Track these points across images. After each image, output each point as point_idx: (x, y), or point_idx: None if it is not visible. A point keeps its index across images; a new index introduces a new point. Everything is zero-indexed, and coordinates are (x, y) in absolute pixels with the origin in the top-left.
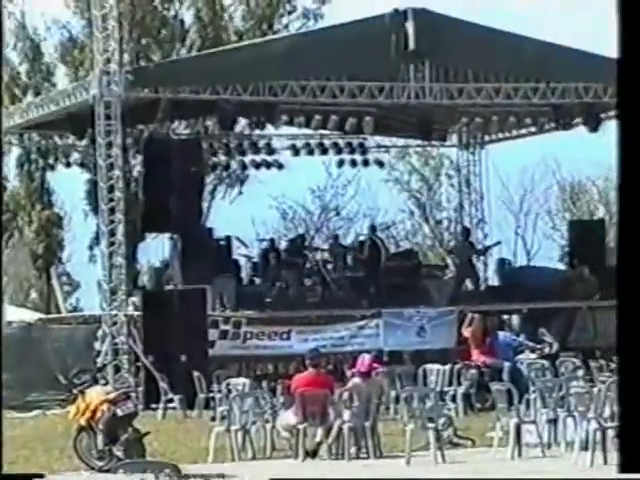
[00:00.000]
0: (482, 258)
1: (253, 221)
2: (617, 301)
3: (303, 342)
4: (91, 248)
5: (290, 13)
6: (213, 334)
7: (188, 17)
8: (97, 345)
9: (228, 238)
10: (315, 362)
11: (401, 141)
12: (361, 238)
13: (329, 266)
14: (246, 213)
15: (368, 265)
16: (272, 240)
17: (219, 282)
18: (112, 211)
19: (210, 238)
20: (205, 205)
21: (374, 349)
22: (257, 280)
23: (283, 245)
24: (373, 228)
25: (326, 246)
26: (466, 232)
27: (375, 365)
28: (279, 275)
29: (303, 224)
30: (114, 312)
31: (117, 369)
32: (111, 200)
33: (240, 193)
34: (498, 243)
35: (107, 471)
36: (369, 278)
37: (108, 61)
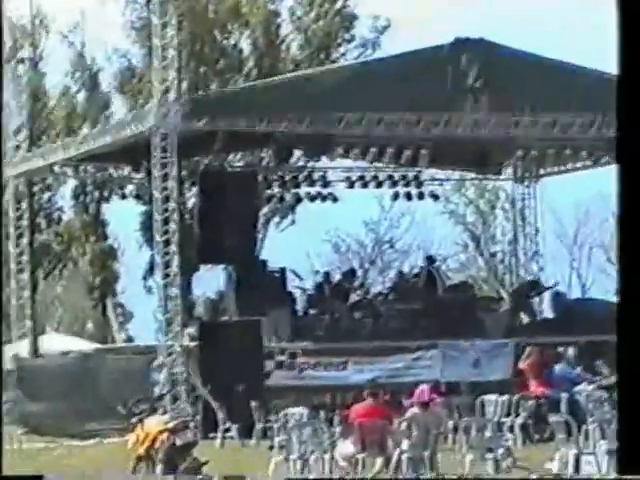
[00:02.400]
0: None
1: (307, 253)
2: (617, 301)
3: (359, 373)
4: (145, 279)
5: (348, 42)
6: (269, 365)
7: (246, 47)
8: (154, 375)
9: (282, 270)
10: (373, 392)
11: (456, 174)
12: (416, 270)
13: (383, 298)
14: (300, 245)
15: (424, 297)
16: (327, 273)
17: (274, 314)
18: (167, 243)
19: (264, 270)
20: (259, 237)
21: (430, 380)
22: (311, 312)
23: (337, 277)
24: (430, 259)
25: (380, 279)
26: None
27: (434, 396)
28: (333, 307)
29: (357, 257)
30: (170, 343)
31: (175, 399)
32: (166, 232)
33: (293, 223)
34: (556, 284)
35: None
36: (424, 310)
37: (166, 91)
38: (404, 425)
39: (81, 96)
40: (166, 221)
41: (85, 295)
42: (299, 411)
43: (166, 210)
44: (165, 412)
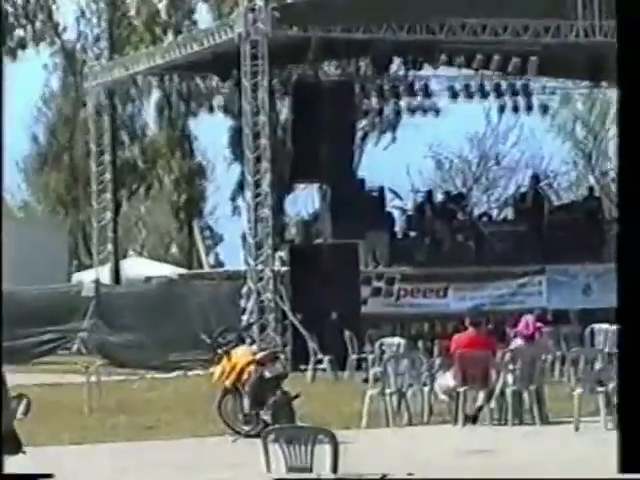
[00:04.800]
0: None
1: (408, 170)
2: (617, 300)
3: (460, 300)
4: (234, 200)
5: None
6: (365, 291)
7: None
8: (242, 302)
9: (381, 189)
10: (476, 321)
11: (566, 83)
12: (523, 189)
13: (487, 220)
14: (399, 162)
15: (530, 218)
16: (429, 192)
17: (371, 236)
18: (258, 160)
19: (362, 189)
20: (357, 153)
21: (536, 308)
22: (411, 234)
23: (439, 197)
24: (537, 178)
25: (484, 198)
26: None
27: (539, 325)
28: (435, 229)
29: (460, 174)
30: (260, 267)
31: (263, 328)
32: (257, 148)
33: (393, 140)
34: None
35: (254, 436)
36: (531, 232)
37: None
38: (508, 356)
39: (163, 4)
40: (257, 135)
41: (170, 216)
42: (396, 341)
43: (256, 124)
44: (253, 342)
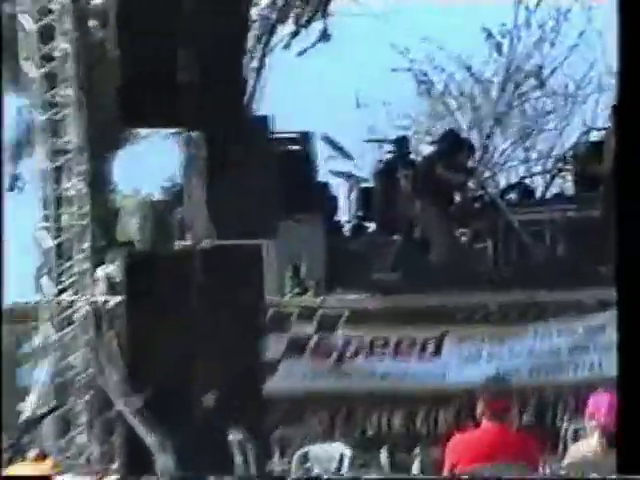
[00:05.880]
0: None
1: (357, 102)
2: (617, 298)
3: (467, 362)
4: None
5: None
6: (275, 344)
7: None
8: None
9: (305, 138)
10: (499, 404)
11: None
12: (596, 136)
13: (521, 195)
14: (342, 81)
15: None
16: (402, 140)
17: (291, 231)
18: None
19: (264, 138)
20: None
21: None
22: (368, 228)
23: (425, 151)
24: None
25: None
26: None
27: None
28: (415, 216)
29: (468, 108)
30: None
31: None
32: None
33: (325, 38)
34: None
35: None
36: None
37: None
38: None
39: None
40: None
41: None
42: (335, 451)
43: None
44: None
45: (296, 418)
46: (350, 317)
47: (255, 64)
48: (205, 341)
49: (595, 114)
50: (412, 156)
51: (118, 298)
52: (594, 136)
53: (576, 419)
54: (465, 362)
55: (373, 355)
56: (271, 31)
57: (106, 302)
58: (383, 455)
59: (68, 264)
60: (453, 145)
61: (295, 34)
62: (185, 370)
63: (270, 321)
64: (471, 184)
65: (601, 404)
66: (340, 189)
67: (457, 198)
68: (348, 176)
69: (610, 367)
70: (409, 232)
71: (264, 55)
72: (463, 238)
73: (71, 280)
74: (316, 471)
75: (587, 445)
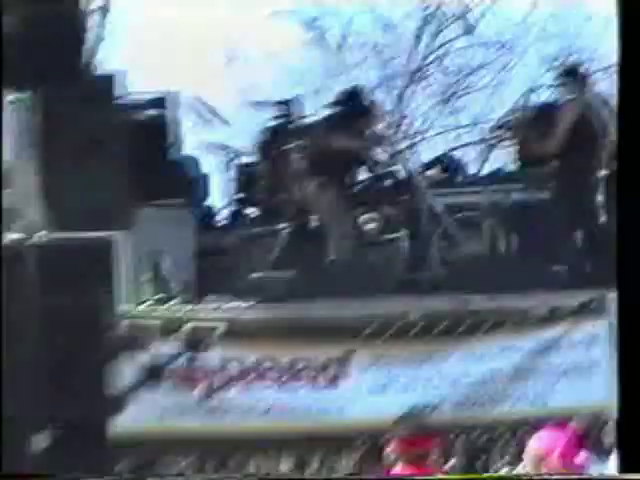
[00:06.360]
0: None
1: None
2: (617, 298)
3: (375, 392)
4: None
5: None
6: (129, 371)
7: None
8: None
9: (159, 102)
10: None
11: None
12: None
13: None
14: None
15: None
16: (286, 103)
17: (152, 220)
18: None
19: (106, 99)
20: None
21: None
22: (249, 214)
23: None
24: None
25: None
26: None
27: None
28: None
29: (377, 60)
30: None
31: None
32: None
33: None
34: None
35: None
36: (573, 207)
37: None
38: None
39: None
40: None
41: None
42: None
43: None
44: None
45: (153, 467)
46: (227, 332)
47: (99, 2)
48: (34, 366)
49: (538, 68)
50: (303, 122)
51: None
52: (538, 96)
53: (515, 464)
54: (374, 391)
55: (255, 382)
56: None
57: None
58: None
59: None
60: (354, 108)
61: None
62: (7, 403)
63: (121, 338)
64: (381, 157)
65: (556, 443)
66: (212, 165)
67: (362, 175)
68: (222, 148)
69: (564, 397)
70: (301, 220)
71: None
72: (370, 226)
73: None
74: None
75: None
